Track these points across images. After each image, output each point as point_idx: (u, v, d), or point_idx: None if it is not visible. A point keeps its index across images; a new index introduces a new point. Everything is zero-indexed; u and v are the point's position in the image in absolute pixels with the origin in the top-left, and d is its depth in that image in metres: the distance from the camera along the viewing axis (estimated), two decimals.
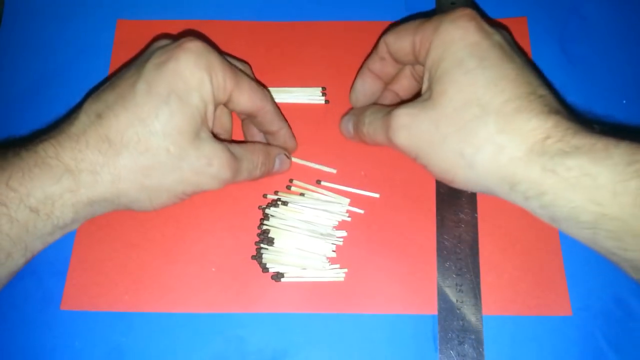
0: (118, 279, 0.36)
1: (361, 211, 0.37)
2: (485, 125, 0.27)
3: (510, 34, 0.32)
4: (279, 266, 0.36)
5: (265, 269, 0.36)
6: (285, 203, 0.37)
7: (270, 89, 0.41)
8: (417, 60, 0.32)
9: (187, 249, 0.37)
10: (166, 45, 0.32)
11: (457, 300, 0.34)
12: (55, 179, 0.29)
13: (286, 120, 0.38)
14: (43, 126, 0.39)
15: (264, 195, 0.38)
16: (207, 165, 0.31)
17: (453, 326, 0.34)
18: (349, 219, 0.37)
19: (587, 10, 0.43)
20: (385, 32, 0.34)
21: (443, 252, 0.36)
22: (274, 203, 0.37)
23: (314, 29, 0.43)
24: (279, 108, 0.37)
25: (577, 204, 0.25)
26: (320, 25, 0.43)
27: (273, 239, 0.36)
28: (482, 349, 0.33)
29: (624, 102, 0.40)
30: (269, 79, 0.41)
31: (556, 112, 0.27)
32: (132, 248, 0.37)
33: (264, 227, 0.37)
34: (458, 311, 0.34)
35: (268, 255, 0.36)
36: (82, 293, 0.35)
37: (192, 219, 0.37)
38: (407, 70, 0.36)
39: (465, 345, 0.33)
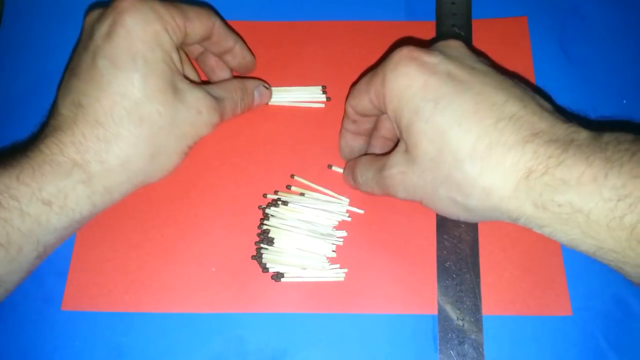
0: (118, 279, 0.36)
1: (361, 211, 0.37)
2: (464, 173, 0.26)
3: (463, 42, 0.31)
4: (279, 266, 0.36)
5: (265, 269, 0.36)
6: (285, 203, 0.37)
7: (271, 88, 0.41)
8: (382, 112, 0.31)
9: (187, 249, 0.37)
10: (101, 15, 0.31)
11: (457, 300, 0.34)
12: (66, 173, 0.29)
13: (238, 34, 0.38)
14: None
15: (264, 195, 0.38)
16: (198, 113, 0.33)
17: (453, 326, 0.34)
18: (349, 219, 0.37)
19: (587, 10, 0.43)
20: (348, 95, 0.34)
21: (443, 252, 0.36)
22: (274, 203, 0.37)
23: (314, 29, 0.43)
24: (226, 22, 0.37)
25: (574, 236, 0.25)
26: (320, 25, 0.43)
27: (273, 238, 0.36)
28: (482, 349, 0.33)
29: (624, 102, 0.40)
30: (269, 79, 0.41)
31: (532, 137, 0.25)
32: (132, 248, 0.37)
33: (264, 227, 0.37)
34: (458, 311, 0.34)
35: (268, 255, 0.36)
36: (83, 293, 0.35)
37: (192, 219, 0.37)
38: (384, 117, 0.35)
39: (465, 345, 0.33)
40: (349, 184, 0.37)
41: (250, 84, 0.38)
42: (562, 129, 0.25)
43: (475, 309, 0.34)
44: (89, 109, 0.30)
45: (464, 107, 0.26)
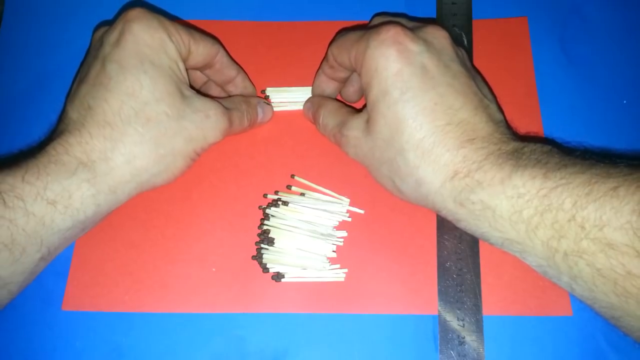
0: (119, 280, 0.36)
1: (361, 211, 0.37)
2: (405, 161, 0.30)
3: (449, 35, 0.32)
4: (280, 266, 0.36)
5: (265, 269, 0.36)
6: (285, 203, 0.37)
7: (270, 89, 0.41)
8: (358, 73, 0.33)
9: (187, 249, 0.37)
10: (110, 27, 0.33)
11: (457, 301, 0.34)
12: (71, 172, 0.29)
13: (240, 66, 0.40)
14: (43, 126, 0.39)
15: (265, 195, 0.38)
16: (205, 117, 0.33)
17: (453, 326, 0.34)
18: (349, 219, 0.37)
19: (588, 11, 0.43)
20: (334, 38, 0.35)
21: (443, 252, 0.36)
22: (274, 203, 0.37)
23: (314, 29, 0.43)
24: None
25: (485, 230, 0.29)
26: (320, 25, 0.43)
27: (273, 239, 0.36)
28: (483, 349, 0.33)
29: (624, 102, 0.40)
30: (269, 79, 0.41)
31: (468, 143, 0.29)
32: (132, 248, 0.37)
33: (265, 227, 0.37)
34: (458, 311, 0.34)
35: (268, 256, 0.36)
36: (83, 293, 0.35)
37: (192, 219, 0.37)
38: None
39: (466, 346, 0.33)
40: (307, 117, 0.39)
41: (252, 99, 0.39)
42: (495, 139, 0.29)
43: (475, 309, 0.34)
44: (97, 109, 0.30)
45: (423, 105, 0.29)
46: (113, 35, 0.32)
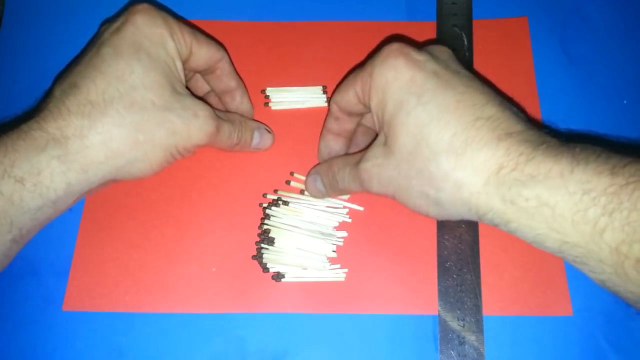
0: (119, 280, 0.36)
1: (361, 208, 0.37)
2: (438, 166, 0.27)
3: (449, 48, 0.31)
4: (280, 266, 0.36)
5: (265, 269, 0.36)
6: (286, 203, 0.37)
7: (270, 88, 0.41)
8: (366, 108, 0.32)
9: (187, 249, 0.37)
10: (115, 19, 0.33)
11: (457, 301, 0.34)
12: (41, 148, 0.28)
13: (242, 81, 0.39)
14: None
15: (265, 195, 0.38)
16: (194, 115, 0.32)
17: (453, 326, 0.34)
18: (349, 220, 0.37)
19: (588, 11, 0.43)
20: (333, 93, 0.34)
21: (444, 252, 0.36)
22: (274, 203, 0.37)
23: (314, 29, 0.43)
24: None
25: (540, 231, 0.25)
26: (320, 25, 0.43)
27: (274, 238, 0.36)
28: (483, 350, 0.33)
29: (625, 102, 0.40)
30: (269, 79, 0.41)
31: (507, 136, 0.26)
32: (133, 249, 0.37)
33: (265, 227, 0.37)
34: (458, 311, 0.34)
35: (268, 255, 0.36)
36: (84, 294, 0.36)
37: (192, 220, 0.37)
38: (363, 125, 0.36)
39: (466, 346, 0.33)
40: (314, 191, 0.36)
41: (252, 122, 0.38)
42: (535, 132, 0.26)
43: (475, 309, 0.34)
44: (82, 88, 0.30)
45: (445, 103, 0.27)
46: (115, 25, 0.32)
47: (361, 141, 0.37)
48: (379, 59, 0.29)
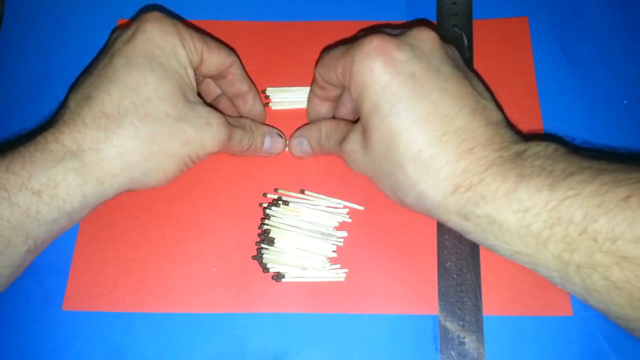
0: (119, 280, 0.36)
1: (361, 208, 0.37)
2: (405, 175, 0.29)
3: (436, 35, 0.31)
4: (280, 266, 0.36)
5: (265, 269, 0.36)
6: (286, 203, 0.37)
7: (270, 88, 0.41)
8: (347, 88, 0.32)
9: (187, 249, 0.37)
10: (126, 27, 0.33)
11: (457, 301, 0.34)
12: (57, 161, 0.29)
13: (254, 84, 0.39)
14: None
15: (265, 195, 0.38)
16: (207, 124, 0.32)
17: (453, 326, 0.34)
18: (349, 220, 0.37)
19: (588, 11, 0.43)
20: (320, 57, 0.35)
21: (444, 252, 0.36)
22: (274, 203, 0.37)
23: (314, 29, 0.43)
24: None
25: (493, 242, 0.28)
26: (320, 25, 0.43)
27: (274, 239, 0.36)
28: (483, 350, 0.33)
29: (625, 102, 0.40)
30: (269, 79, 0.41)
31: (468, 153, 0.28)
32: (133, 249, 0.37)
33: (265, 227, 0.37)
34: (458, 311, 0.34)
35: (269, 255, 0.36)
36: (84, 293, 0.35)
37: (192, 219, 0.37)
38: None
39: (466, 346, 0.33)
40: (298, 152, 0.37)
41: (263, 127, 0.38)
42: (496, 145, 0.28)
43: (475, 310, 0.34)
44: (97, 100, 0.30)
45: (416, 115, 0.28)
46: (126, 34, 0.32)
47: (348, 102, 0.37)
48: (359, 54, 0.29)
